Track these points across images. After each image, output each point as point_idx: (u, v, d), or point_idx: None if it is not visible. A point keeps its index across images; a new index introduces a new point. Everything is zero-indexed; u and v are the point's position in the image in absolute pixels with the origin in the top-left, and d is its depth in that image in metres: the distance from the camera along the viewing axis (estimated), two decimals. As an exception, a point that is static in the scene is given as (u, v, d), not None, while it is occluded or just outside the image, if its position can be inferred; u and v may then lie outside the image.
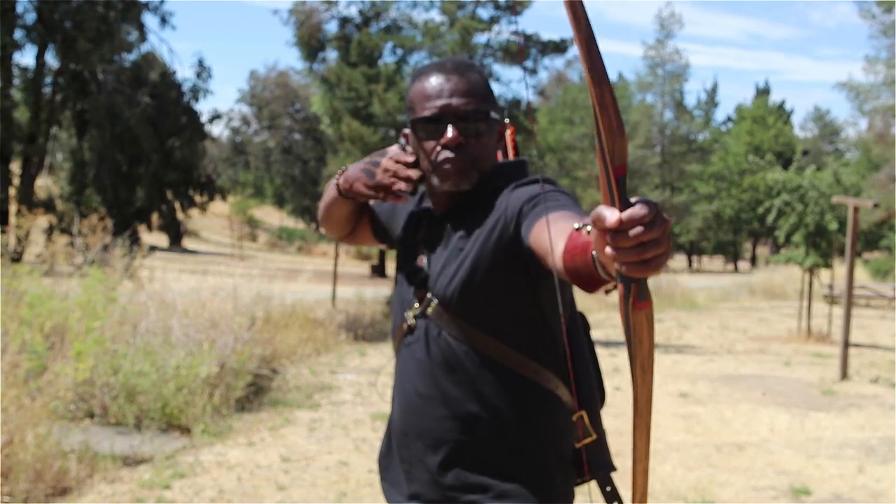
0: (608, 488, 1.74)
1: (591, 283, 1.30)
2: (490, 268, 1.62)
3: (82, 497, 4.79)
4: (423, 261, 1.73)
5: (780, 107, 56.77)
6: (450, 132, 1.65)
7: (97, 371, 6.04)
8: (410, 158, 1.72)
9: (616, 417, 7.64)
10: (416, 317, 1.70)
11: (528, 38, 20.46)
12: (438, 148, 1.66)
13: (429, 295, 1.68)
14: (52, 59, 28.23)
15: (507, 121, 1.82)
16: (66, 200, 30.01)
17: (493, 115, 1.72)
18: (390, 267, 26.54)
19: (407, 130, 1.77)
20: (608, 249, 1.03)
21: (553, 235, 1.42)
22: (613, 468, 1.77)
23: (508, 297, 1.63)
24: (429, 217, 1.78)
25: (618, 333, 14.90)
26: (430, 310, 1.67)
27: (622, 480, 1.92)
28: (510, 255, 1.60)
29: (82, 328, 6.07)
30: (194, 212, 40.60)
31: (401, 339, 1.74)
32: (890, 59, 31.06)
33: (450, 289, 1.64)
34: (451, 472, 1.65)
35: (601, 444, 1.76)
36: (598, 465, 1.75)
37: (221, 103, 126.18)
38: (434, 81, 1.68)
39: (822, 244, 14.30)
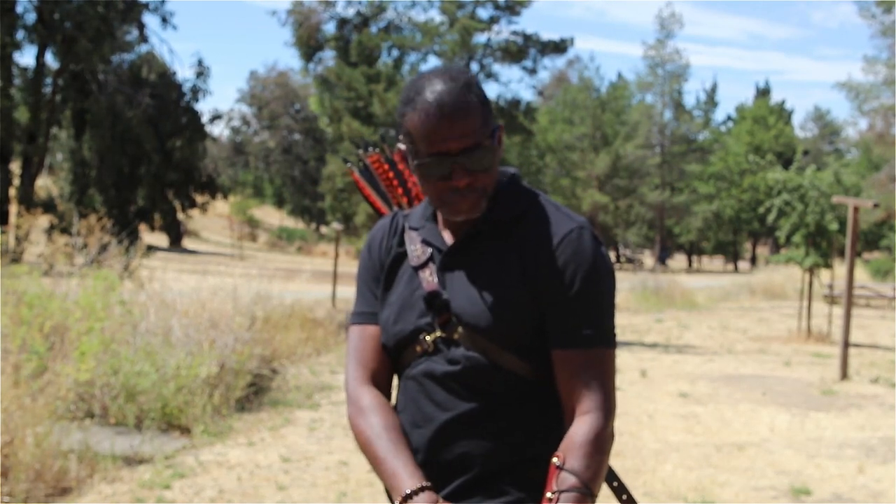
0: (624, 497, 1.77)
1: None
2: (522, 300, 1.64)
3: (82, 497, 4.79)
4: (433, 284, 1.69)
5: (781, 107, 56.78)
6: (457, 176, 1.61)
7: (97, 371, 6.04)
8: None
9: (616, 417, 7.63)
10: (436, 339, 1.68)
11: (527, 38, 20.47)
12: (443, 189, 1.63)
13: (454, 319, 1.66)
14: (52, 59, 28.24)
15: (500, 122, 1.79)
16: (67, 200, 30.03)
17: (495, 125, 1.68)
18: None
19: (402, 146, 1.72)
20: None
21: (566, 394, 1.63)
22: (618, 477, 1.80)
23: (535, 320, 1.65)
24: (440, 240, 1.73)
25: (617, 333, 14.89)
26: (457, 334, 1.66)
27: (623, 480, 1.95)
28: (533, 304, 1.64)
29: (83, 328, 6.07)
30: (194, 212, 40.64)
31: (413, 360, 1.72)
32: (890, 59, 31.07)
33: (485, 317, 1.63)
34: (473, 490, 1.65)
35: None
36: (610, 476, 1.77)
37: (221, 103, 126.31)
38: (433, 120, 1.59)
39: (823, 244, 14.31)
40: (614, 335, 1.69)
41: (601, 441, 1.58)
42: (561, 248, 1.63)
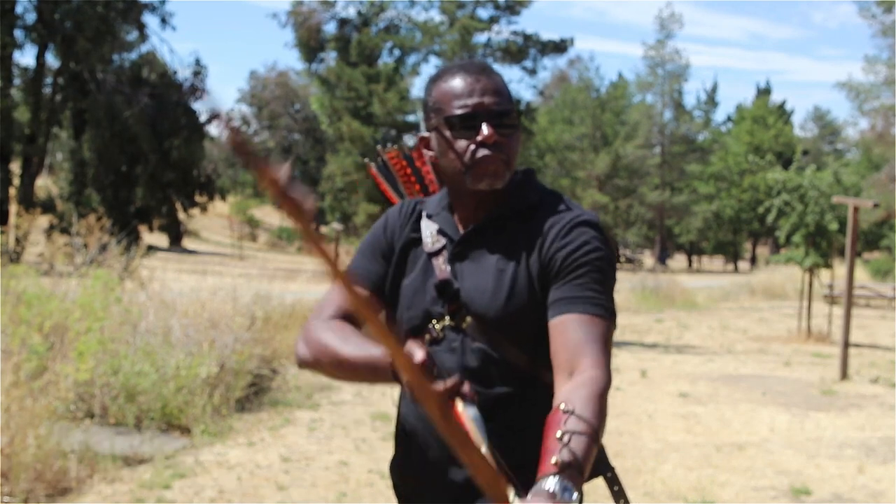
0: (616, 488, 1.76)
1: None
2: (529, 290, 1.65)
3: (82, 497, 4.78)
4: (445, 272, 1.70)
5: (781, 107, 56.75)
6: (486, 130, 1.64)
7: (97, 371, 6.04)
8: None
9: (616, 417, 7.63)
10: (444, 328, 1.68)
11: (527, 38, 20.47)
12: (472, 147, 1.66)
13: (463, 309, 1.67)
14: (52, 59, 28.24)
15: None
16: (66, 200, 30.01)
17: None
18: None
19: (425, 134, 1.75)
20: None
21: (559, 355, 1.56)
22: (612, 467, 1.79)
23: (542, 313, 1.65)
24: (454, 229, 1.75)
25: (615, 333, 14.89)
26: (465, 324, 1.67)
27: (623, 480, 1.95)
28: (539, 293, 1.65)
29: (82, 328, 6.07)
30: (194, 212, 40.59)
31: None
32: (890, 58, 31.08)
33: (493, 306, 1.64)
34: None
35: (601, 446, 1.78)
36: (604, 467, 1.77)
37: (221, 103, 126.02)
38: (463, 81, 1.68)
39: (822, 244, 14.30)
40: (615, 312, 1.65)
41: (604, 402, 1.48)
42: (566, 230, 1.65)
